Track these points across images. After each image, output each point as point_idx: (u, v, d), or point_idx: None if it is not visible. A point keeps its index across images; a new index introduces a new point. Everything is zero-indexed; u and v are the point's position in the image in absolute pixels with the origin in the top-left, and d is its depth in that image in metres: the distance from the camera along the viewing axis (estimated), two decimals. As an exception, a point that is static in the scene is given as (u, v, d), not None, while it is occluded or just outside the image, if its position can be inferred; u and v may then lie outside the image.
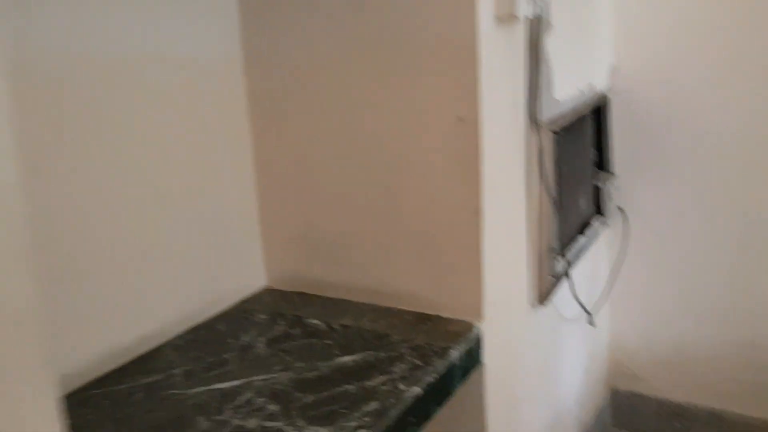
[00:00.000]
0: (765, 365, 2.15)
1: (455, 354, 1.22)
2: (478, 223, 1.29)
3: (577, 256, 1.88)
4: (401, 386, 1.10)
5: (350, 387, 1.10)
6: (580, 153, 1.92)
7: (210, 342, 1.31)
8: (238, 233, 1.48)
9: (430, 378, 1.13)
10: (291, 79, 1.42)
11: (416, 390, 1.09)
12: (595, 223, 2.06)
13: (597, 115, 2.11)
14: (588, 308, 1.94)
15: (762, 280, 2.07)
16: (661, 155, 2.11)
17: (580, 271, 1.92)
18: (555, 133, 1.65)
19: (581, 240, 1.91)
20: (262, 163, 1.49)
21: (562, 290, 1.77)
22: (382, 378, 1.13)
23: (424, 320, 1.35)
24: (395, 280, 1.40)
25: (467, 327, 1.30)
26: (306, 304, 1.46)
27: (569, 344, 1.99)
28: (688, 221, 2.13)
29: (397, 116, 1.32)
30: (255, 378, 1.15)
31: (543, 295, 1.67)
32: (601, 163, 2.17)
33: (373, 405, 1.05)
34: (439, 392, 1.17)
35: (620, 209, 2.22)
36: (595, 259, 2.16)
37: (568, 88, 1.71)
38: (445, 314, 1.35)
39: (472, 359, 1.29)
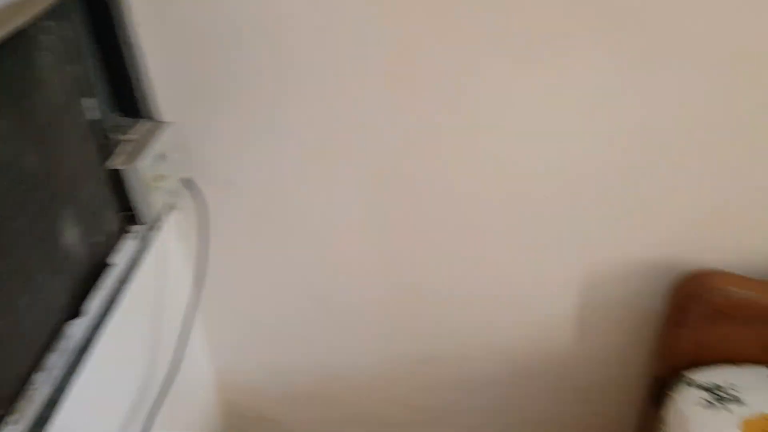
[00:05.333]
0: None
1: None
2: None
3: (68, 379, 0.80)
4: None
5: None
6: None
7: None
8: None
9: None
10: None
11: None
12: (121, 254, 0.98)
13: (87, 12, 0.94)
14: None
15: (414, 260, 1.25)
16: (240, 72, 1.06)
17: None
18: None
19: (70, 338, 0.83)
20: None
21: None
22: None
23: None
24: None
25: None
26: None
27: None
28: (299, 182, 1.16)
29: None
30: None
31: None
32: (125, 103, 1.04)
33: None
34: None
35: (188, 183, 1.15)
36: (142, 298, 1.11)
37: None
38: None
39: None
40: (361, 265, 1.24)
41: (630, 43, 0.97)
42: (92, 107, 0.92)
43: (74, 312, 0.84)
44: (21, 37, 0.75)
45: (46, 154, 0.79)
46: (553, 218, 1.15)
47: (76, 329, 0.83)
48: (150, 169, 0.99)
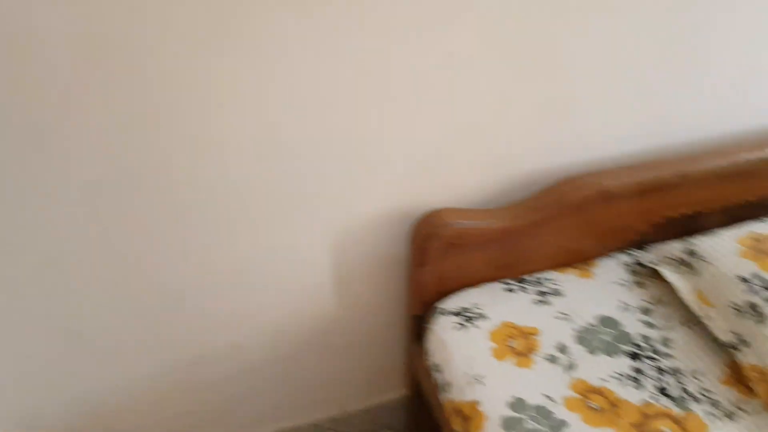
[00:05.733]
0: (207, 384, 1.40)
1: None
2: None
3: None
4: None
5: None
6: None
7: None
8: None
9: None
10: None
11: None
12: None
13: None
14: None
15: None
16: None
17: None
18: None
19: None
20: None
21: None
22: None
23: None
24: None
25: None
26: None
27: None
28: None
29: None
30: None
31: None
32: None
33: None
34: None
35: None
36: None
37: None
38: None
39: None
40: (103, 277, 1.17)
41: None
42: None
43: None
44: None
45: None
46: (288, 188, 1.19)
47: None
48: None
